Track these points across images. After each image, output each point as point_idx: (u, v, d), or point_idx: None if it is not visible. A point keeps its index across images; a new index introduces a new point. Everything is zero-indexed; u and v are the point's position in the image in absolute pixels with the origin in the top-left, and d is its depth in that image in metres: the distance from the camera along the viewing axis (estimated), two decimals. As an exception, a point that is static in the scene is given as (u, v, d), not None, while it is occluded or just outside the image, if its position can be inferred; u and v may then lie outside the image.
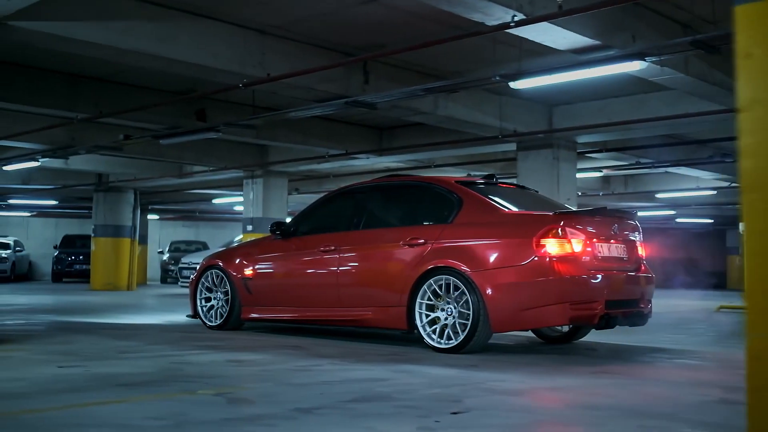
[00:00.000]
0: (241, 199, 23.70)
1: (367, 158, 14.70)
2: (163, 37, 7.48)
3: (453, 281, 5.89)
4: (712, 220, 29.80)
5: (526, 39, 7.08)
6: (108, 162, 17.55)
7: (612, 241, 6.06)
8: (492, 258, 5.80)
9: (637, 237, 6.41)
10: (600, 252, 5.92)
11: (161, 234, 31.52)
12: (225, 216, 31.28)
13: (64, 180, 20.62)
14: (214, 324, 7.69)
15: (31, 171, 20.57)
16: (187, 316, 8.35)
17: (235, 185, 20.86)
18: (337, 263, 6.76)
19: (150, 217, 27.98)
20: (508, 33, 6.70)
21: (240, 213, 29.79)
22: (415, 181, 6.99)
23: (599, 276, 5.76)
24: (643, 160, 14.79)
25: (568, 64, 7.49)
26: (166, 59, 7.62)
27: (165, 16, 7.53)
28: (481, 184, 6.62)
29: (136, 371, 4.89)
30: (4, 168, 16.51)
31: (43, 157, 14.47)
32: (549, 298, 5.61)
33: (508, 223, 5.97)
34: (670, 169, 16.25)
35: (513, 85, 8.13)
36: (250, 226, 16.70)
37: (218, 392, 4.09)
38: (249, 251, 7.75)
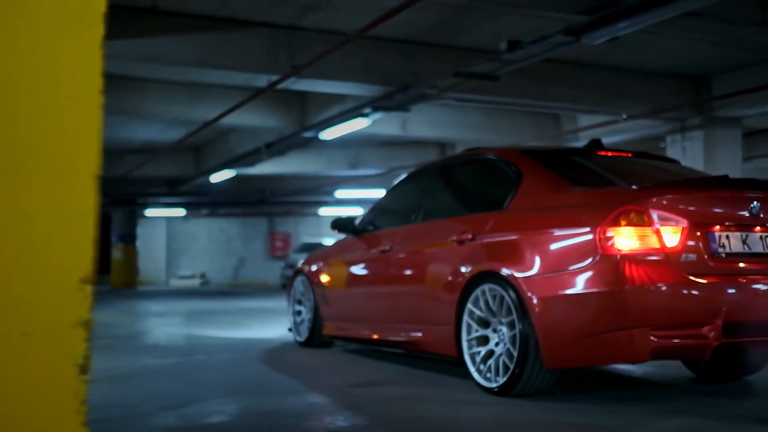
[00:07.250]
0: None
1: None
2: None
3: (502, 293, 4.01)
4: None
5: None
6: (456, 123, 12.52)
7: (750, 228, 3.75)
8: (543, 259, 3.81)
9: None
10: (722, 246, 3.68)
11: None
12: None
13: (398, 159, 16.25)
14: (300, 340, 6.42)
15: (360, 149, 16.45)
16: (288, 329, 6.80)
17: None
18: (391, 267, 5.15)
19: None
20: None
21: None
22: (476, 154, 4.90)
23: (714, 284, 3.59)
24: None
25: None
26: None
27: None
28: (560, 154, 4.47)
29: None
30: (325, 136, 12.21)
31: (375, 110, 9.69)
32: (619, 320, 3.50)
33: (570, 206, 3.87)
34: None
35: None
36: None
37: None
38: (325, 253, 6.37)
